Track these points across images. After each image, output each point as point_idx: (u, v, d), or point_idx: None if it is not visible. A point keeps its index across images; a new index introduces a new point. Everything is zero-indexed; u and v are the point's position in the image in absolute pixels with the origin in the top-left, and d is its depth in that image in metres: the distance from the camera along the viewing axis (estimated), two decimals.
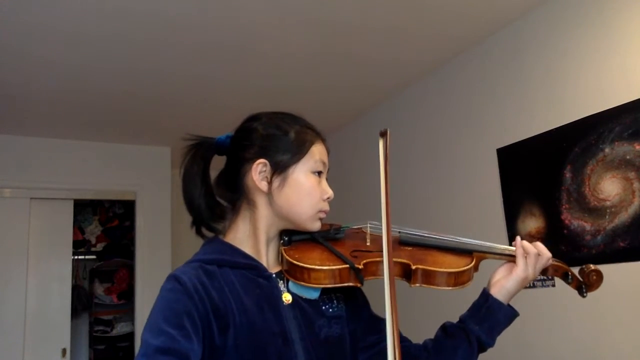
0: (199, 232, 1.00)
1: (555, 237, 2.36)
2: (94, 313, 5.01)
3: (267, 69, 3.04)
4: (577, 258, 2.24)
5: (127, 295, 5.02)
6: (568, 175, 2.34)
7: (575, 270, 1.08)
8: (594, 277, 1.05)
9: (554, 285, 2.38)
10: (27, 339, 3.73)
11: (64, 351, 3.88)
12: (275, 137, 0.98)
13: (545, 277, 2.41)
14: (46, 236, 3.97)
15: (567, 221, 2.33)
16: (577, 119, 2.32)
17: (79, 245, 4.96)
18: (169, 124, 3.92)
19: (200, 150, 1.01)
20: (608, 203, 2.17)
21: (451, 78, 3.09)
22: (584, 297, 1.06)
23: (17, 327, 3.71)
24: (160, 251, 4.25)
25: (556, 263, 1.05)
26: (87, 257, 5.13)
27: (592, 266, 1.05)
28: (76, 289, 4.72)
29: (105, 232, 5.20)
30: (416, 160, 3.35)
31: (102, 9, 2.33)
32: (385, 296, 0.82)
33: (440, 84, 3.19)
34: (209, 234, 1.01)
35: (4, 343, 3.63)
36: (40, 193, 3.96)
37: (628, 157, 2.11)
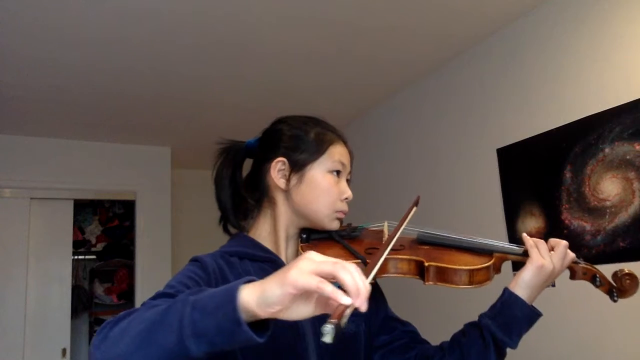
0: (225, 229, 1.06)
1: (555, 237, 2.32)
2: (94, 313, 5.01)
3: (267, 69, 3.04)
4: None
5: (127, 295, 5.02)
6: (568, 175, 2.34)
7: (608, 274, 1.03)
8: (628, 282, 0.98)
9: (553, 285, 2.37)
10: (27, 339, 3.73)
11: (64, 351, 3.88)
12: (296, 137, 1.02)
13: None
14: (46, 236, 3.97)
15: (567, 221, 2.33)
16: (577, 119, 2.31)
17: (79, 245, 4.96)
18: (169, 124, 3.92)
19: (230, 154, 1.05)
20: (608, 203, 2.17)
21: (451, 78, 3.09)
22: (614, 301, 1.00)
23: (17, 327, 3.71)
24: (160, 251, 4.25)
25: (584, 266, 1.02)
26: (87, 257, 5.13)
27: (626, 270, 0.99)
28: (76, 289, 4.72)
29: (105, 232, 5.20)
30: (416, 160, 3.35)
31: (102, 9, 2.32)
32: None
33: (440, 84, 3.18)
34: (234, 231, 1.06)
35: (4, 343, 3.63)
36: (40, 193, 3.95)
37: (628, 157, 2.11)
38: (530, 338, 2.63)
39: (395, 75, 3.27)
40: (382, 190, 3.63)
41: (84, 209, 5.08)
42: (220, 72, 3.05)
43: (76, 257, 4.78)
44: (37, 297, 3.85)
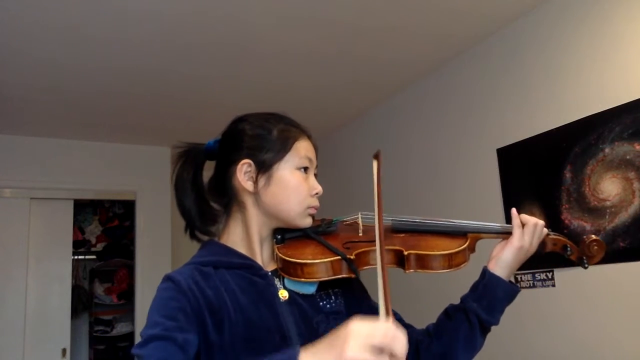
0: (193, 236, 1.02)
1: None
2: (94, 313, 5.01)
3: (267, 69, 3.04)
4: None
5: (127, 295, 5.02)
6: (568, 175, 2.34)
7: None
8: (595, 248, 1.03)
9: (554, 285, 2.38)
10: (27, 339, 3.73)
11: (64, 351, 3.88)
12: (259, 136, 0.99)
13: (545, 277, 2.41)
14: (46, 236, 3.97)
15: (567, 221, 2.33)
16: (577, 119, 2.31)
17: (79, 245, 4.96)
18: (169, 124, 3.92)
19: (189, 157, 1.03)
20: (608, 203, 2.17)
21: (451, 78, 3.09)
22: (585, 268, 1.05)
23: (17, 327, 3.71)
24: (160, 251, 4.25)
25: (554, 236, 1.05)
26: (87, 257, 5.13)
27: (592, 236, 1.04)
28: (76, 289, 4.72)
29: (105, 232, 5.20)
30: (416, 161, 3.35)
31: (101, 9, 2.32)
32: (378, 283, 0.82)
33: (440, 84, 3.18)
34: (204, 238, 1.03)
35: (4, 343, 3.63)
36: (40, 193, 3.95)
37: (628, 157, 2.11)
38: (530, 338, 2.64)
39: (395, 75, 3.27)
40: (383, 190, 3.62)
41: (84, 209, 5.08)
42: (220, 72, 3.05)
43: (76, 257, 4.78)
44: (37, 297, 3.85)
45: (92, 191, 4.20)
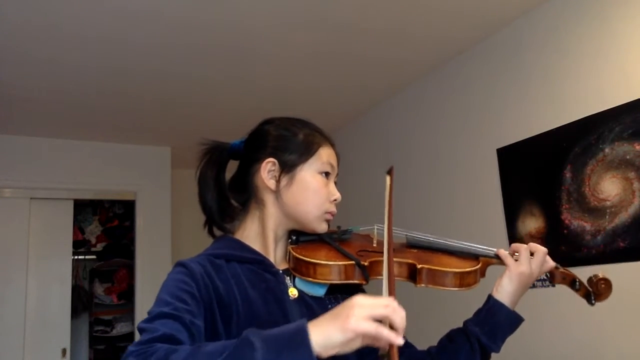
0: (210, 232, 1.05)
1: (555, 237, 2.36)
2: (94, 313, 5.01)
3: (267, 69, 3.04)
4: (577, 258, 2.24)
5: (127, 295, 5.02)
6: (568, 175, 2.34)
7: (584, 278, 1.08)
8: (603, 286, 1.04)
9: (553, 286, 2.37)
10: (27, 339, 3.73)
11: (64, 351, 3.88)
12: (285, 138, 1.02)
13: (544, 277, 2.40)
14: (46, 236, 3.97)
15: (567, 221, 2.33)
16: (577, 119, 2.31)
17: (79, 245, 4.96)
18: (169, 124, 3.92)
19: (214, 155, 1.05)
20: (608, 203, 2.17)
21: (451, 78, 3.09)
22: (592, 305, 1.06)
23: (17, 327, 3.71)
24: (160, 251, 4.25)
25: (563, 271, 1.07)
26: (87, 257, 5.13)
27: (600, 274, 1.05)
28: (76, 289, 4.72)
29: (105, 232, 5.19)
30: (416, 161, 3.35)
31: (102, 9, 2.32)
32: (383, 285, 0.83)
33: (440, 84, 3.18)
34: (220, 234, 1.05)
35: (4, 343, 3.63)
36: (40, 193, 3.96)
37: (628, 157, 2.11)
38: (529, 338, 2.64)
39: (395, 75, 3.27)
40: (383, 190, 3.62)
41: (84, 209, 5.08)
42: (220, 72, 3.05)
43: (76, 257, 4.78)
44: (37, 297, 3.85)
45: (92, 191, 4.20)
